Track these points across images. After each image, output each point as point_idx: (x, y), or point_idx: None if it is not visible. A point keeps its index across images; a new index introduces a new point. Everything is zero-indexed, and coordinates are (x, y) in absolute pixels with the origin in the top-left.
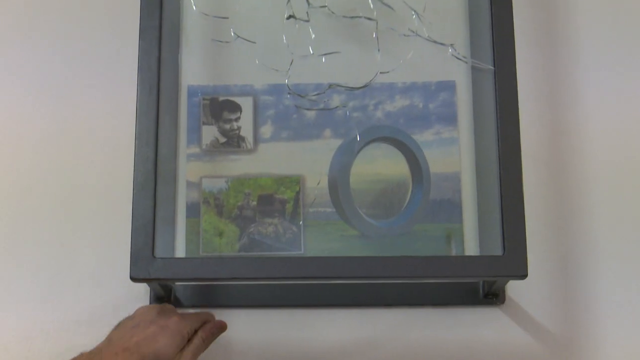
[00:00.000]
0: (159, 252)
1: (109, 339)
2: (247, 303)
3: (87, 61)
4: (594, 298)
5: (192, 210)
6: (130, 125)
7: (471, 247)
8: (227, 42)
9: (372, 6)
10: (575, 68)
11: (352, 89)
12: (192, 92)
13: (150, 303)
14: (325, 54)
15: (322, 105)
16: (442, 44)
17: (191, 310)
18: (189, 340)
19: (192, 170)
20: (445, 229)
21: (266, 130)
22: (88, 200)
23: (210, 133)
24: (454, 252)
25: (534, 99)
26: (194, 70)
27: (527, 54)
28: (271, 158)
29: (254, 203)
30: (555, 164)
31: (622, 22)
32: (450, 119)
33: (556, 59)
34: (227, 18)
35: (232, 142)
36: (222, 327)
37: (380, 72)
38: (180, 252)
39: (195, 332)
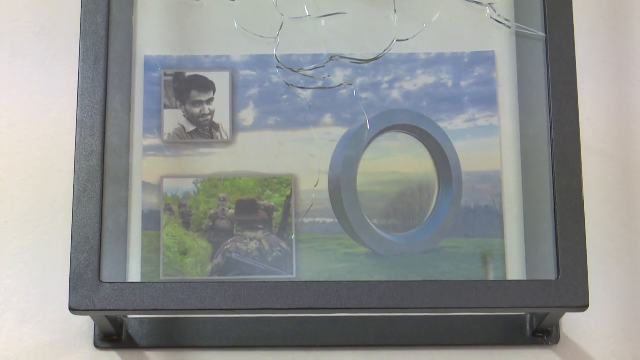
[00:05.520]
0: (107, 276)
1: None
2: (222, 343)
3: (11, 21)
4: None
5: (151, 221)
6: (70, 108)
7: (515, 269)
8: None
9: None
10: None
11: (361, 61)
12: (150, 64)
13: (94, 342)
14: (325, 16)
15: (320, 83)
16: (477, 2)
17: (148, 353)
18: None
19: (150, 168)
20: (482, 246)
21: (247, 115)
22: (14, 206)
23: (174, 119)
24: (492, 276)
25: (597, 76)
26: (152, 37)
27: (588, 17)
28: (254, 152)
29: (232, 211)
30: (624, 160)
31: None
32: (489, 101)
33: (626, 23)
34: None
35: (203, 130)
36: None
37: (397, 40)
38: (134, 275)
39: None
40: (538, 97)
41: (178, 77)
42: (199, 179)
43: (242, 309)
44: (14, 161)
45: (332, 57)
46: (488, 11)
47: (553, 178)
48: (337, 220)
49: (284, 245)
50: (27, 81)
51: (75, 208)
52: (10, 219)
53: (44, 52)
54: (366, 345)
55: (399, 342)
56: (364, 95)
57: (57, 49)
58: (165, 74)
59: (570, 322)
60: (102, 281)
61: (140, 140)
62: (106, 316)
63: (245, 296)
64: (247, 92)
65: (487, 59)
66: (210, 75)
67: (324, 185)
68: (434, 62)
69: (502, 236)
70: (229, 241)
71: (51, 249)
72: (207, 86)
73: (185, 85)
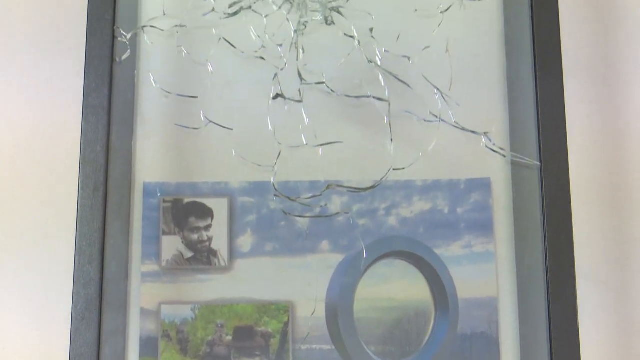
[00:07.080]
0: None
1: None
2: None
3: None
4: None
5: (148, 347)
6: (69, 235)
7: None
8: (195, 128)
9: (383, 83)
10: None
11: (358, 190)
12: (149, 191)
13: None
14: (322, 145)
15: (318, 211)
16: (473, 132)
17: None
18: None
19: (148, 295)
20: None
21: (245, 241)
22: (10, 334)
23: (172, 245)
24: None
25: (593, 204)
26: (151, 164)
27: (583, 147)
28: (251, 279)
29: (229, 338)
30: (619, 287)
31: None
32: (485, 227)
33: (622, 153)
34: (195, 97)
35: (201, 257)
36: None
37: (394, 169)
38: None
39: None
40: (533, 224)
41: (176, 203)
42: (196, 305)
43: None
44: (10, 287)
45: (329, 186)
46: (483, 140)
47: (548, 305)
48: (334, 347)
49: None
50: (32, 213)
51: (72, 337)
52: (8, 346)
53: (45, 175)
54: None
55: None
56: (360, 222)
57: (57, 174)
58: (164, 201)
59: None
60: None
61: (138, 266)
62: None
63: None
64: (245, 218)
65: (483, 185)
66: (209, 202)
67: (321, 311)
68: (430, 188)
69: None
70: None
71: None
72: (205, 213)
73: (183, 212)
